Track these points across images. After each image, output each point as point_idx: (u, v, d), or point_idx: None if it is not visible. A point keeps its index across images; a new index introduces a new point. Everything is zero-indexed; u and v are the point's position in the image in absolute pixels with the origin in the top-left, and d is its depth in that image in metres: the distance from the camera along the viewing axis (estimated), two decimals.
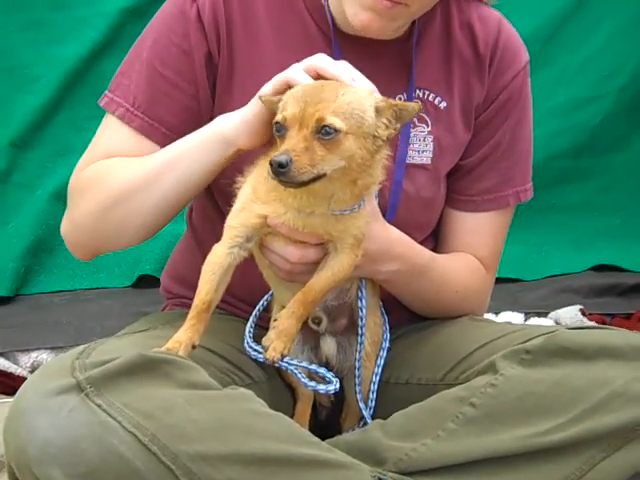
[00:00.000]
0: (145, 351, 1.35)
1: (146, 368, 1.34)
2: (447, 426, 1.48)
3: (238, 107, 1.59)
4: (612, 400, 1.43)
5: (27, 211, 2.87)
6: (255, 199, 1.47)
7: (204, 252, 1.57)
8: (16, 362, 2.37)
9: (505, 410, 1.46)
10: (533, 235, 2.90)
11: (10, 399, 2.23)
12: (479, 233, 1.82)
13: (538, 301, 2.76)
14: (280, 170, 1.32)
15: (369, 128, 1.39)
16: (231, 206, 1.53)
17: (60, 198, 2.80)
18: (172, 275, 1.93)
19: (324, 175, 1.36)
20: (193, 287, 1.79)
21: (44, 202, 2.87)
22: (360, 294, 1.61)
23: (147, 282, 2.87)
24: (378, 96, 1.44)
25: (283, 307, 1.61)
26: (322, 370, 1.58)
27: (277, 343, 1.45)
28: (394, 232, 1.64)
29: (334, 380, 1.56)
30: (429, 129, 1.73)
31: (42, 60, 2.90)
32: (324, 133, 1.35)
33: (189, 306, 1.78)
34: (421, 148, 1.73)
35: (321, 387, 1.55)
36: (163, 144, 1.66)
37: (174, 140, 1.65)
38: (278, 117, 1.39)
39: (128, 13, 2.91)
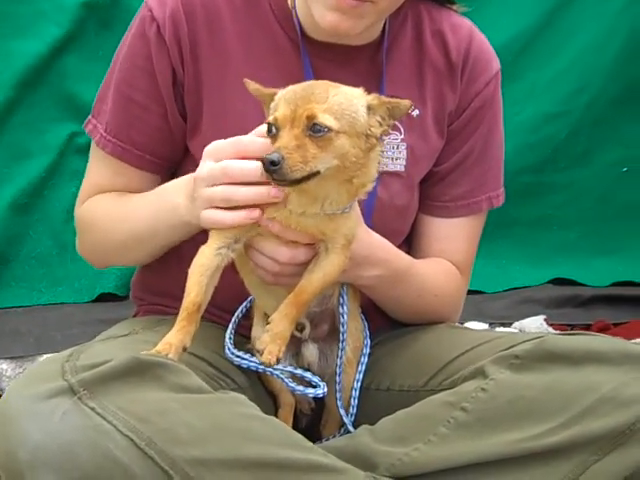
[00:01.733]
0: (137, 354, 1.32)
1: (139, 371, 1.31)
2: (438, 431, 1.47)
3: (208, 122, 1.64)
4: (602, 404, 1.44)
5: None
6: None
7: (177, 258, 1.57)
8: None
9: (496, 414, 1.46)
10: (495, 248, 2.91)
11: None
12: (453, 239, 1.84)
13: (501, 311, 2.80)
14: (272, 168, 1.31)
15: (361, 127, 1.39)
16: None
17: (17, 209, 2.70)
18: (142, 282, 1.90)
19: (317, 173, 1.36)
20: (165, 294, 1.79)
21: (1, 212, 2.72)
22: (341, 300, 1.61)
23: (108, 299, 2.78)
24: (369, 95, 1.44)
25: (265, 314, 1.60)
26: (308, 374, 1.57)
27: (272, 346, 1.43)
28: (376, 237, 1.64)
29: (321, 384, 1.55)
30: (402, 137, 1.74)
31: None
32: (315, 130, 1.35)
33: (162, 312, 1.79)
34: (394, 155, 1.74)
35: (309, 391, 1.54)
36: (139, 166, 1.72)
37: (149, 161, 1.71)
38: (270, 118, 1.39)
39: (90, 8, 2.74)
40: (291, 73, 1.62)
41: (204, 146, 1.52)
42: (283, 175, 1.32)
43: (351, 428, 1.62)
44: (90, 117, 1.78)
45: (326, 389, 1.55)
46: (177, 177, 1.72)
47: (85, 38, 2.74)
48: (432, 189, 1.82)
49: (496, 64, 1.81)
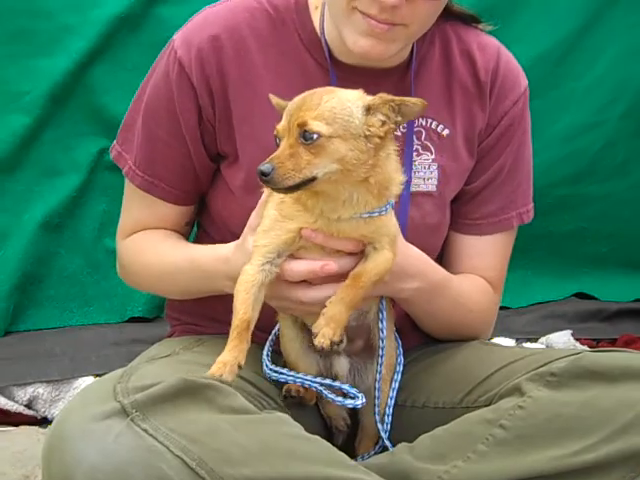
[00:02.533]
0: (187, 376, 1.36)
1: (189, 393, 1.35)
2: (477, 448, 1.50)
3: (241, 153, 1.69)
4: (639, 421, 1.46)
5: (14, 242, 2.69)
6: (282, 218, 1.49)
7: None
8: (11, 397, 2.31)
9: (535, 432, 1.49)
10: (522, 262, 2.85)
11: (6, 428, 2.23)
12: (485, 256, 1.86)
13: (527, 326, 2.79)
14: (264, 178, 1.38)
15: (357, 129, 1.42)
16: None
17: (48, 228, 2.68)
18: (177, 303, 1.93)
19: (314, 179, 1.40)
20: (200, 315, 1.83)
21: (32, 232, 2.69)
22: (380, 315, 1.63)
23: (137, 319, 2.78)
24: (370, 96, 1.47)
25: (292, 315, 1.63)
26: (346, 386, 1.60)
27: (326, 330, 1.45)
28: (413, 249, 1.67)
29: (359, 395, 1.58)
30: (433, 157, 1.77)
31: (26, 75, 2.66)
32: (307, 138, 1.39)
33: (197, 332, 1.82)
34: (426, 176, 1.77)
35: (349, 402, 1.57)
36: (168, 199, 1.77)
37: (176, 195, 1.77)
38: (275, 131, 1.45)
39: (120, 20, 2.67)
40: None
41: (239, 176, 1.62)
42: (276, 184, 1.39)
43: (389, 444, 1.64)
44: (115, 143, 1.82)
45: (365, 399, 1.57)
46: (207, 200, 1.80)
47: (113, 51, 2.69)
48: (463, 207, 1.85)
49: (524, 81, 1.84)
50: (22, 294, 2.69)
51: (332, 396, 1.57)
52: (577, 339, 2.70)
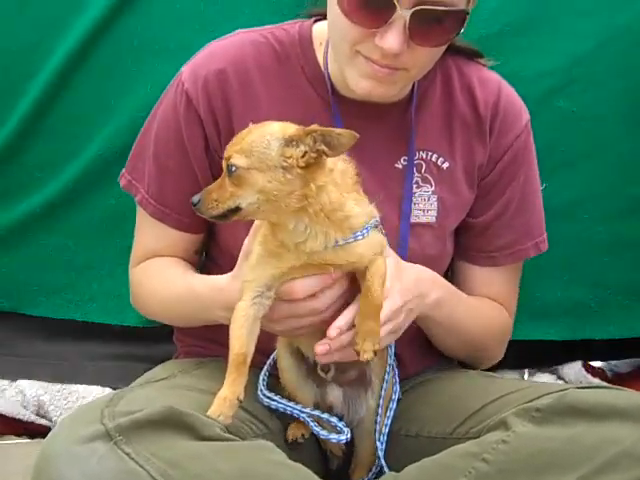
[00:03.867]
0: (174, 405, 1.40)
1: (173, 420, 1.38)
2: None
3: None
4: (621, 459, 1.46)
5: None
6: (267, 254, 1.54)
7: None
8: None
9: (517, 466, 1.49)
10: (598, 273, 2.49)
11: (18, 440, 2.28)
12: (497, 284, 1.92)
13: None
14: (194, 208, 1.49)
15: (273, 161, 1.45)
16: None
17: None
18: (181, 327, 1.98)
19: (238, 209, 1.47)
20: (204, 338, 1.87)
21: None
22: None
23: None
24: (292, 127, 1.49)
25: (293, 347, 1.67)
26: (334, 419, 1.62)
27: (366, 344, 1.50)
28: (416, 266, 1.71)
29: (345, 430, 1.60)
30: (433, 189, 1.80)
31: None
32: (230, 171, 1.46)
33: (201, 354, 1.86)
34: (426, 207, 1.81)
35: (333, 436, 1.60)
36: (178, 227, 1.83)
37: (187, 224, 1.82)
38: None
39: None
40: None
41: None
42: (203, 212, 1.48)
43: (386, 469, 1.66)
44: (125, 171, 1.88)
45: (349, 435, 1.60)
46: (215, 229, 1.84)
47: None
48: (475, 240, 1.89)
49: (525, 115, 1.86)
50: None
51: (318, 429, 1.59)
52: (590, 370, 2.67)
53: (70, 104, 2.49)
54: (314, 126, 1.45)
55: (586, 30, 2.44)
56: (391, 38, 1.57)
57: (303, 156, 1.45)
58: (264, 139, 1.47)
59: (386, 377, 1.67)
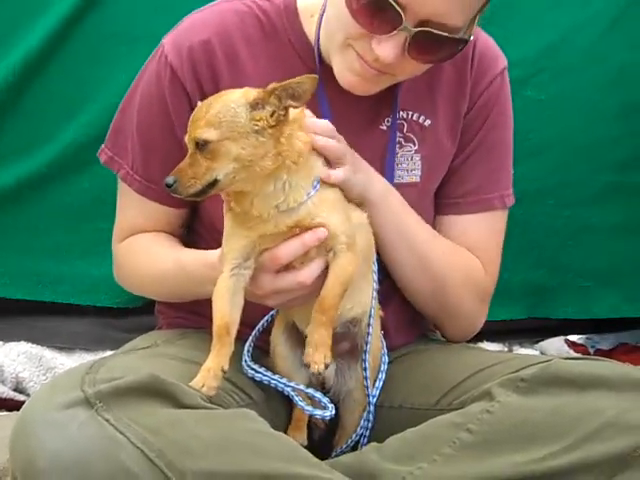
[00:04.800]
0: (157, 373, 1.38)
1: (155, 389, 1.37)
2: (443, 451, 1.51)
3: None
4: (605, 429, 1.47)
5: None
6: (236, 225, 1.54)
7: None
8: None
9: (501, 437, 1.49)
10: (562, 259, 2.62)
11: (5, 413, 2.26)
12: (468, 236, 1.85)
13: None
14: (169, 189, 1.45)
15: (244, 127, 1.45)
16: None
17: None
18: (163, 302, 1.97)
19: (216, 181, 1.46)
20: (184, 309, 1.85)
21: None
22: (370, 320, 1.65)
23: None
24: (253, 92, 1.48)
25: (287, 322, 1.66)
26: (319, 395, 1.60)
27: (316, 356, 1.49)
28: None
29: (330, 406, 1.58)
30: (416, 148, 1.79)
31: None
32: (200, 146, 1.44)
33: (184, 326, 1.85)
34: (409, 167, 1.80)
35: (318, 412, 1.58)
36: (163, 201, 1.80)
37: (173, 198, 1.71)
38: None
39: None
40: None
41: None
42: (181, 192, 1.45)
43: (371, 410, 1.66)
44: (104, 147, 1.85)
45: (334, 412, 1.58)
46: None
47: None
48: (442, 188, 1.87)
49: (502, 62, 1.85)
50: None
51: (302, 404, 1.57)
52: (572, 345, 2.69)
53: (45, 90, 2.53)
54: (273, 84, 1.45)
55: (553, 21, 2.54)
56: (388, 48, 1.56)
57: (272, 115, 1.45)
58: (229, 108, 1.46)
59: (366, 347, 1.64)
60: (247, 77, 1.71)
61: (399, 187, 1.76)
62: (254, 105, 1.45)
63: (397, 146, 1.78)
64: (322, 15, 1.73)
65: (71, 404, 1.33)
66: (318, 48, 1.73)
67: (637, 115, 2.57)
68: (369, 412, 1.68)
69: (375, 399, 1.69)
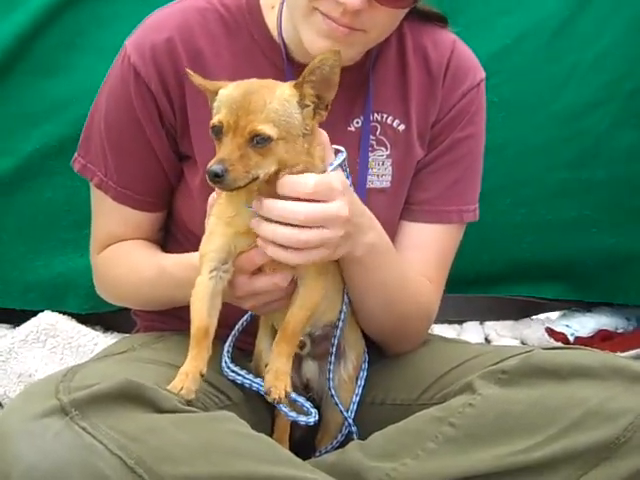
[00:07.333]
0: (132, 377, 1.36)
1: (131, 394, 1.34)
2: (427, 446, 1.50)
3: (198, 154, 1.68)
4: (587, 419, 1.46)
5: None
6: (219, 222, 1.50)
7: None
8: None
9: (484, 429, 1.49)
10: (518, 253, 2.74)
11: None
12: (420, 248, 1.77)
13: None
14: (216, 179, 1.37)
15: (297, 130, 1.43)
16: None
17: None
18: None
19: (257, 178, 1.41)
20: (163, 313, 1.83)
21: None
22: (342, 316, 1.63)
23: None
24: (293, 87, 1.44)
25: (272, 326, 1.64)
26: (301, 400, 1.58)
27: (276, 383, 1.48)
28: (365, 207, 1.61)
29: (313, 411, 1.56)
30: (388, 152, 1.75)
31: None
32: (257, 142, 1.39)
33: (161, 329, 1.82)
34: (380, 172, 1.75)
35: (301, 418, 1.55)
36: (139, 207, 1.77)
37: (149, 203, 1.77)
38: (214, 121, 1.43)
39: None
40: None
41: (198, 177, 1.64)
42: (227, 185, 1.39)
43: (354, 430, 1.65)
44: (77, 155, 1.80)
45: (317, 417, 1.56)
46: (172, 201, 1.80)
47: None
48: None
49: (478, 75, 1.80)
50: None
51: (286, 410, 1.55)
52: (552, 334, 2.70)
53: (7, 100, 2.51)
54: (302, 78, 1.43)
55: (504, 25, 2.61)
56: None
57: (313, 117, 1.44)
58: (286, 107, 1.42)
59: (333, 341, 1.63)
60: (211, 73, 1.67)
61: (369, 192, 1.73)
62: (302, 104, 1.43)
63: (368, 149, 1.74)
64: (282, 4, 1.70)
65: (46, 413, 1.30)
66: (283, 41, 1.70)
67: (587, 115, 2.66)
68: (352, 411, 1.66)
69: (358, 397, 1.67)
